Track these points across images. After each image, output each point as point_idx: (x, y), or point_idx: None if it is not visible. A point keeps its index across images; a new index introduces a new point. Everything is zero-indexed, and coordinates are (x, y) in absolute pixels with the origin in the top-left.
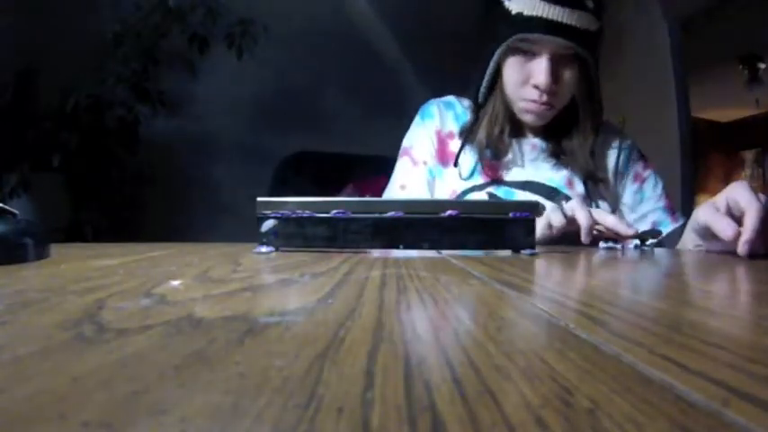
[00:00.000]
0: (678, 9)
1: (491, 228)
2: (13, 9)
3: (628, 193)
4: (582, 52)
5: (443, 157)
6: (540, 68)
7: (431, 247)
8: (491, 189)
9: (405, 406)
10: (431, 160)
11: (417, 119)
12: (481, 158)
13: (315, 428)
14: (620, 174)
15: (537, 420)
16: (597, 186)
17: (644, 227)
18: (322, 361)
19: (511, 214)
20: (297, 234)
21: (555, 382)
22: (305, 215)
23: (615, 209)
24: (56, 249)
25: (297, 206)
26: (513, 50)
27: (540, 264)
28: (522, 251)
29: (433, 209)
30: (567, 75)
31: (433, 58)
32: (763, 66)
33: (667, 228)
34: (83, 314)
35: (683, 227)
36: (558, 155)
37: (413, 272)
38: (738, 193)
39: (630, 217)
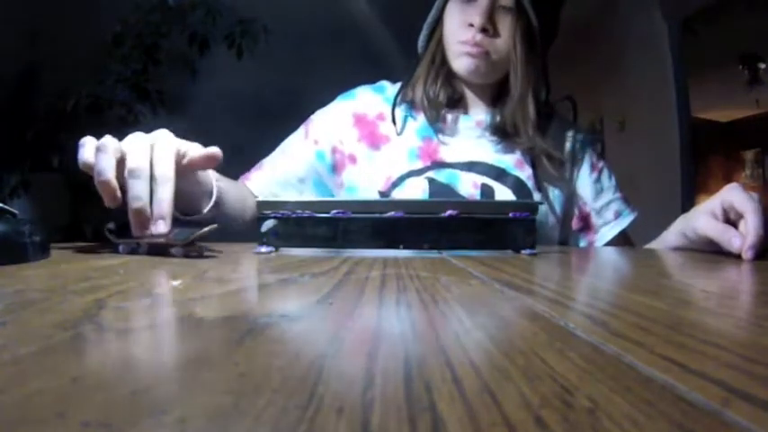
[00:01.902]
0: (678, 9)
1: (491, 228)
2: (14, 10)
3: (586, 183)
4: (525, 3)
5: (373, 140)
6: (476, 9)
7: (431, 248)
8: (431, 174)
9: (405, 406)
10: (326, 143)
11: (336, 99)
12: (424, 113)
13: (315, 428)
14: (577, 161)
15: (536, 420)
16: (546, 166)
17: (608, 216)
18: (322, 361)
19: (511, 214)
20: (297, 234)
21: (555, 382)
22: (305, 215)
23: (569, 196)
24: (56, 249)
25: (297, 206)
26: None
27: (540, 264)
28: (523, 251)
29: (433, 209)
30: (505, 23)
31: None
32: (763, 66)
33: (628, 218)
34: (83, 314)
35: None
36: (503, 132)
37: (413, 272)
38: (733, 195)
39: (591, 207)
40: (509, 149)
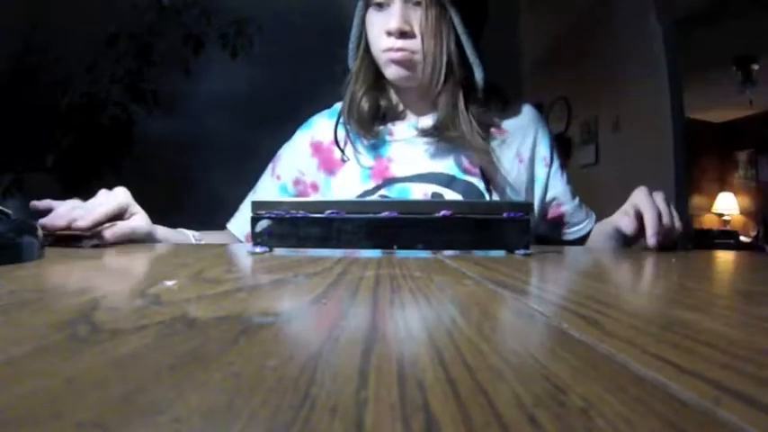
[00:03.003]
0: (673, 11)
1: (485, 228)
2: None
3: (561, 183)
4: None
5: (329, 165)
6: (390, 14)
7: (425, 248)
8: (383, 191)
9: (398, 405)
10: (288, 176)
11: (297, 131)
12: (350, 127)
13: (309, 428)
14: (541, 155)
15: (530, 419)
16: (495, 164)
17: (579, 217)
18: (316, 361)
19: (505, 214)
20: (291, 234)
21: (548, 382)
22: (299, 215)
23: (522, 193)
24: (50, 250)
25: (291, 206)
26: (369, 5)
27: (534, 264)
28: (516, 251)
29: (427, 209)
30: (420, 17)
31: None
32: (756, 67)
33: (593, 219)
34: (77, 314)
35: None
36: (435, 130)
37: (407, 272)
38: (637, 197)
39: (569, 207)
40: (452, 151)
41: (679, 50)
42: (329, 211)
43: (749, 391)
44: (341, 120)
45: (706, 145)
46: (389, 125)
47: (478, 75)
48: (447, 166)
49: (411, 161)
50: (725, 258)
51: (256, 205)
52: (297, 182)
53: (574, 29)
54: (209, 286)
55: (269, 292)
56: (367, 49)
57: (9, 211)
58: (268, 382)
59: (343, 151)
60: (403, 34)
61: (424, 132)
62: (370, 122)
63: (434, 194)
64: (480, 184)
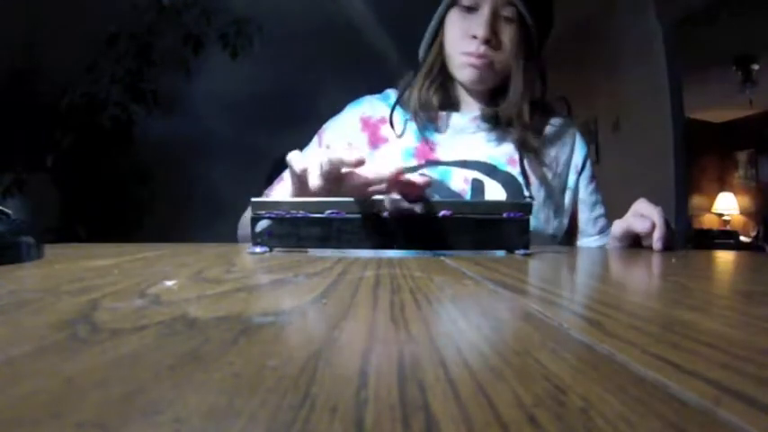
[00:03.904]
0: (673, 11)
1: (485, 228)
2: (7, 10)
3: (586, 192)
4: (524, 12)
5: (374, 140)
6: (479, 20)
7: (425, 248)
8: (424, 171)
9: (398, 406)
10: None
11: (346, 107)
12: (420, 120)
13: (309, 428)
14: (575, 165)
15: (530, 419)
16: (537, 163)
17: (592, 231)
18: (316, 361)
19: (504, 214)
20: (291, 234)
21: (548, 382)
22: (299, 215)
23: (559, 193)
24: (50, 250)
25: (291, 206)
26: (455, 5)
27: (534, 264)
28: (516, 251)
29: (427, 209)
30: (507, 33)
31: None
32: (756, 67)
33: (607, 236)
34: (77, 314)
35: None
36: (494, 122)
37: (407, 272)
38: (642, 206)
39: (586, 216)
40: (501, 143)
41: (679, 50)
42: (329, 211)
43: (749, 391)
44: (399, 103)
45: (706, 145)
46: (444, 113)
47: (540, 84)
48: (491, 156)
49: (456, 148)
50: (725, 258)
51: (256, 205)
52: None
53: (574, 29)
54: (209, 286)
55: (269, 292)
56: (440, 46)
57: (9, 211)
58: (268, 382)
59: (399, 132)
60: (487, 42)
61: (484, 119)
62: (435, 113)
63: (475, 180)
64: (520, 178)
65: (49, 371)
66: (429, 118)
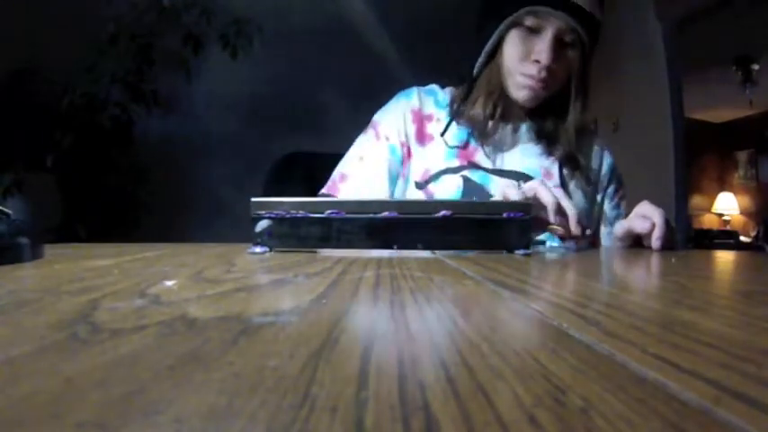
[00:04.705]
0: (673, 11)
1: (485, 228)
2: (7, 10)
3: (609, 206)
4: (584, 36)
5: (421, 136)
6: (543, 44)
7: (425, 248)
8: (466, 173)
9: (398, 405)
10: (396, 138)
11: (394, 99)
12: (474, 132)
13: (309, 428)
14: (601, 181)
15: (530, 419)
16: (574, 175)
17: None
18: (316, 361)
19: (504, 214)
20: (291, 234)
21: (548, 382)
22: (299, 215)
23: (590, 207)
24: (49, 250)
25: (291, 206)
26: (517, 25)
27: (534, 264)
28: (516, 251)
29: (426, 209)
30: (567, 58)
31: (431, 59)
32: (756, 67)
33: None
34: (77, 314)
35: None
36: (541, 140)
37: (407, 272)
38: (644, 208)
39: (606, 229)
40: (541, 156)
41: (679, 50)
42: (329, 211)
43: (749, 391)
44: (454, 115)
45: (706, 145)
46: (492, 122)
47: (585, 103)
48: (529, 168)
49: (497, 155)
50: (725, 258)
51: (255, 205)
52: (402, 144)
53: None
54: (209, 286)
55: (269, 292)
56: (498, 63)
57: (9, 212)
58: (268, 383)
59: (448, 136)
60: (548, 68)
61: (517, 130)
62: (486, 124)
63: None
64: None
65: (49, 371)
66: (487, 132)
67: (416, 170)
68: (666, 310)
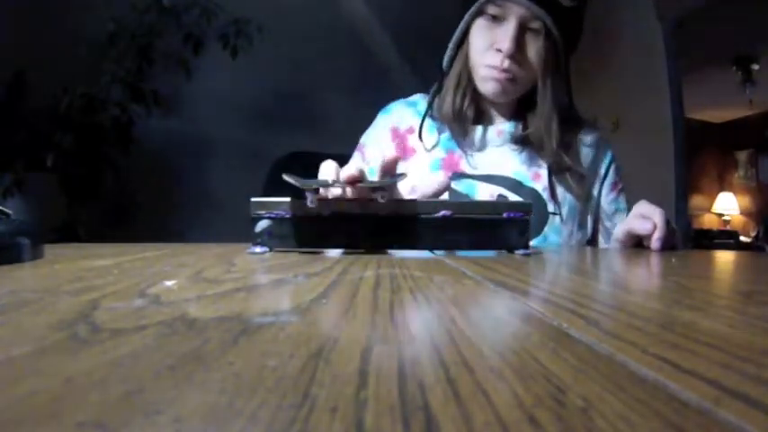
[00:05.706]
0: (673, 10)
1: (485, 228)
2: (7, 9)
3: (606, 200)
4: (551, 26)
5: (402, 152)
6: (504, 33)
7: (425, 248)
8: (451, 183)
9: (398, 406)
10: (374, 161)
11: (377, 117)
12: (449, 129)
13: (309, 428)
14: (599, 175)
15: (530, 419)
16: (564, 178)
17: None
18: (316, 361)
19: (504, 214)
20: (291, 234)
21: (548, 382)
22: (299, 215)
23: (584, 207)
24: (50, 250)
25: (291, 206)
26: (482, 14)
27: (534, 264)
28: (516, 251)
29: (426, 209)
30: (533, 47)
31: (431, 59)
32: (756, 67)
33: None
34: (77, 314)
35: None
36: (524, 143)
37: (407, 272)
38: (643, 207)
39: (605, 225)
40: (528, 161)
41: (679, 50)
42: (329, 211)
43: (749, 391)
44: (429, 113)
45: (706, 145)
46: (472, 126)
47: (567, 98)
48: (516, 172)
49: (482, 161)
50: (725, 258)
51: (255, 205)
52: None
53: None
54: (209, 286)
55: (269, 292)
56: (466, 55)
57: (9, 212)
58: (268, 382)
59: (430, 144)
60: (511, 56)
61: (514, 140)
62: (469, 123)
63: (500, 196)
64: (545, 193)
65: (49, 371)
66: (464, 130)
67: (403, 186)
68: (666, 310)
